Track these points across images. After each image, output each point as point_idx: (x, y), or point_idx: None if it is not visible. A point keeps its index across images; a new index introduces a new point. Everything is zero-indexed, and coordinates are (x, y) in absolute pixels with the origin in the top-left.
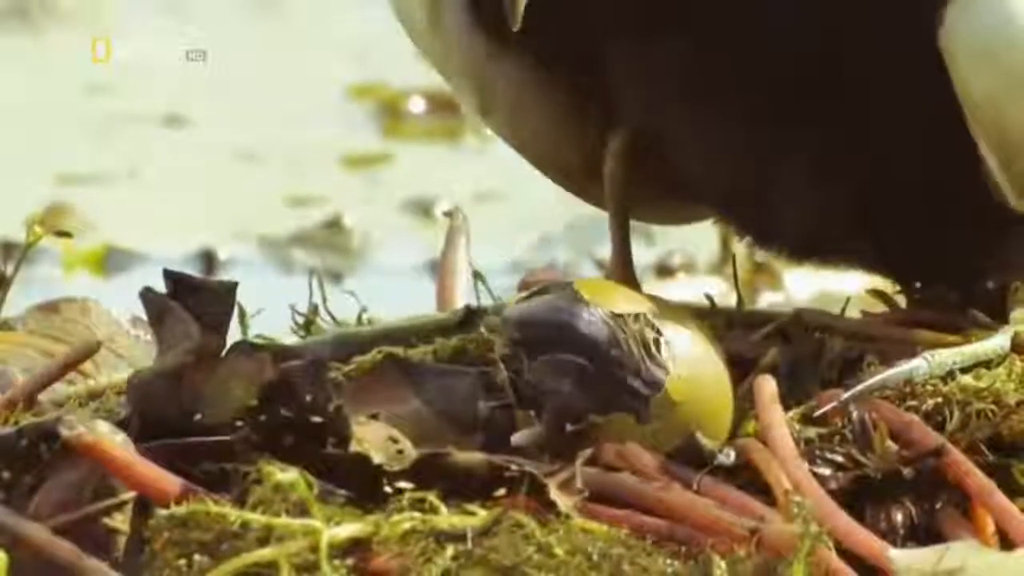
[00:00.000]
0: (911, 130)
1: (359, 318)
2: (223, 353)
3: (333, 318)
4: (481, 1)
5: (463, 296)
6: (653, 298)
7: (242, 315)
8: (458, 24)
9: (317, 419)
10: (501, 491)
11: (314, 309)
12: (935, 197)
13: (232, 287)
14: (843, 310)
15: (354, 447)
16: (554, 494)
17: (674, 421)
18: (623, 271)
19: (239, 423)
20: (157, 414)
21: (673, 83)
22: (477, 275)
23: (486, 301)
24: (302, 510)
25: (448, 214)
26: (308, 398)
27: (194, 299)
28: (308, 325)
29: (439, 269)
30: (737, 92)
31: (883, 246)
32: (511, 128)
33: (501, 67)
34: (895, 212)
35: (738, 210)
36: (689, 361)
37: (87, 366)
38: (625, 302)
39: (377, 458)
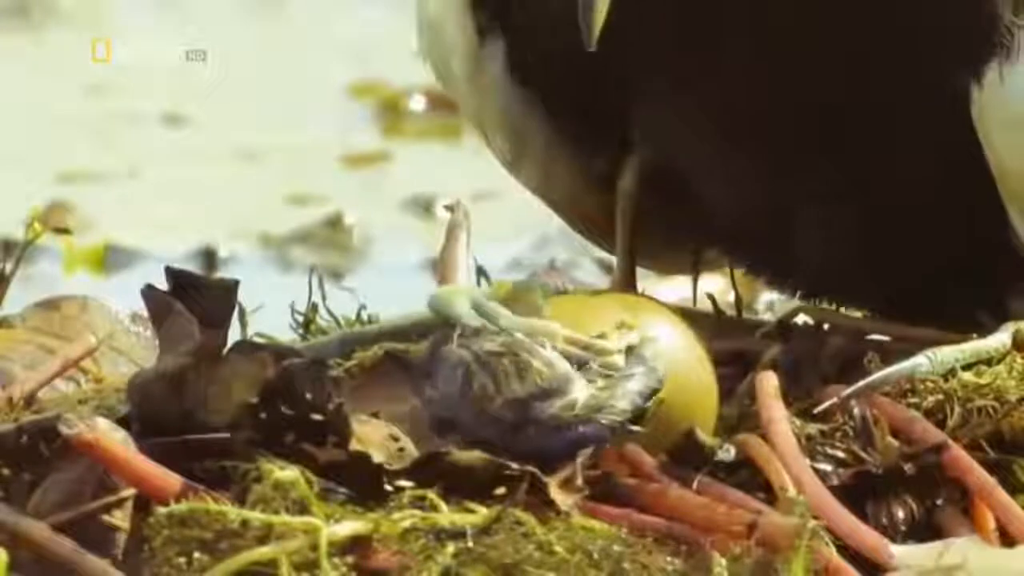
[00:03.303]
0: (930, 183)
1: (358, 316)
2: (224, 352)
3: (333, 317)
4: (517, 58)
5: None
6: (639, 299)
7: (242, 314)
8: (495, 78)
9: (318, 417)
10: (501, 490)
11: (314, 308)
12: (950, 250)
13: (233, 285)
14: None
15: (354, 445)
16: (554, 493)
17: (652, 420)
18: (625, 288)
19: (240, 422)
20: (158, 414)
21: (691, 127)
22: (480, 271)
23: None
24: (302, 508)
25: (449, 208)
26: (309, 396)
27: (195, 297)
28: (307, 324)
29: (439, 263)
30: (754, 139)
31: (894, 294)
32: (540, 179)
33: (534, 122)
34: (908, 263)
35: (752, 252)
36: (665, 359)
37: (87, 363)
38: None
39: (377, 457)
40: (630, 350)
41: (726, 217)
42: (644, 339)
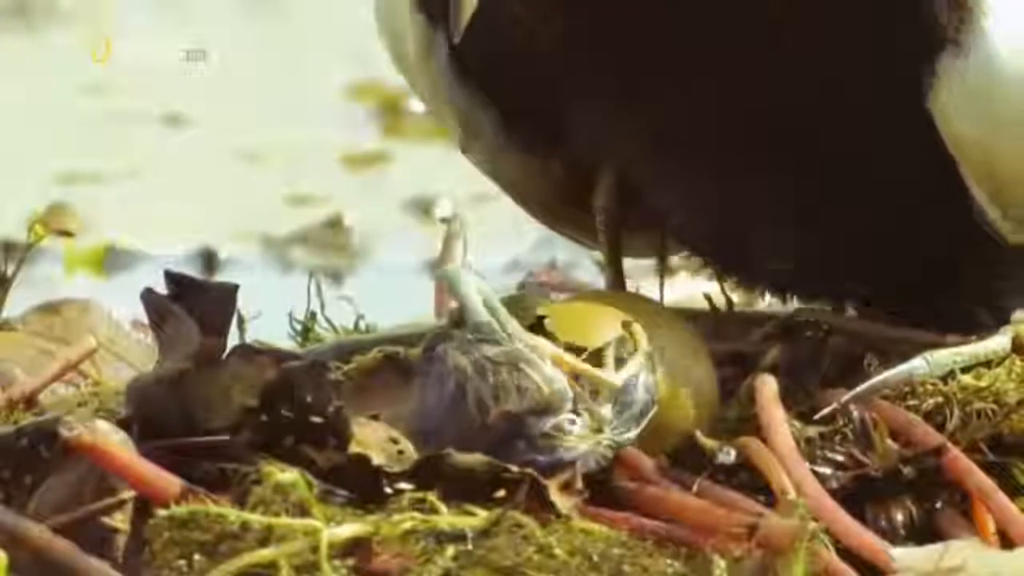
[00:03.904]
0: (894, 171)
1: (356, 325)
2: (223, 356)
3: (331, 324)
4: (461, 55)
5: None
6: (638, 302)
7: (240, 320)
8: (444, 65)
9: (317, 419)
10: (501, 492)
11: (312, 316)
12: (922, 237)
13: (233, 290)
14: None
15: (354, 448)
16: (554, 495)
17: (649, 425)
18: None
19: (240, 425)
20: (157, 419)
21: (649, 140)
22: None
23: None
24: (302, 510)
25: (445, 220)
26: (308, 399)
27: (195, 301)
28: (306, 332)
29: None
30: (714, 146)
31: (869, 288)
32: (491, 166)
33: (481, 114)
34: (880, 255)
35: (719, 255)
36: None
37: (87, 366)
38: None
39: (377, 459)
40: (620, 362)
41: (687, 220)
42: (640, 357)
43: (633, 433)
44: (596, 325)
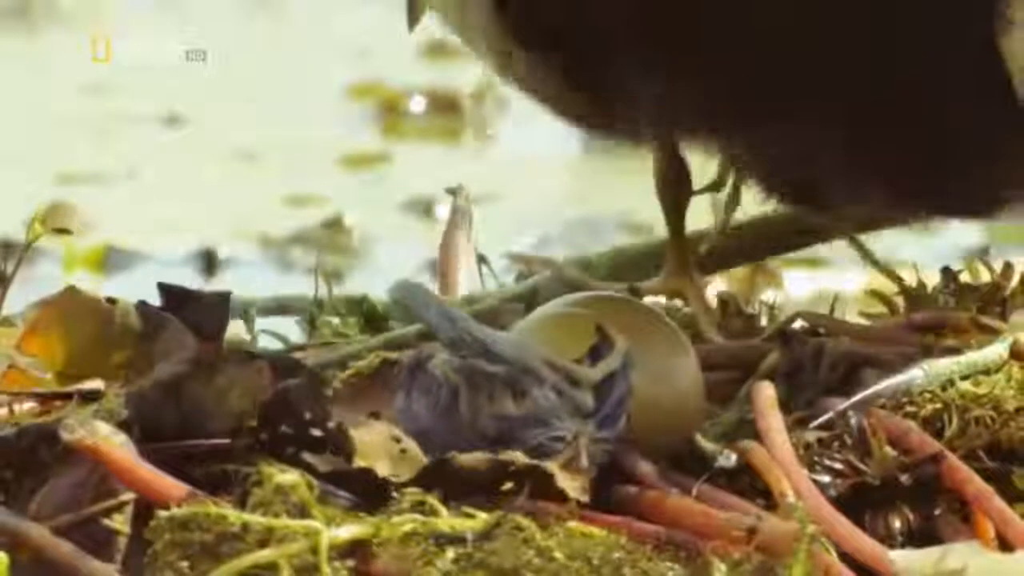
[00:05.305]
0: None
1: (361, 304)
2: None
3: (340, 314)
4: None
5: (465, 278)
6: (623, 305)
7: (246, 315)
8: (484, 19)
9: (318, 433)
10: (507, 485)
11: (319, 305)
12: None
13: (225, 297)
14: (832, 308)
15: (358, 462)
16: (561, 481)
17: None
18: (679, 276)
19: (237, 433)
20: (155, 423)
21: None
22: (481, 258)
23: (489, 285)
24: (302, 511)
25: (452, 191)
26: (307, 415)
27: (188, 310)
28: (312, 322)
29: (441, 250)
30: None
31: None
32: (527, 91)
33: (524, 66)
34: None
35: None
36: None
37: None
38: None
39: (382, 468)
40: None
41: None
42: (617, 355)
43: (617, 428)
44: (573, 331)
